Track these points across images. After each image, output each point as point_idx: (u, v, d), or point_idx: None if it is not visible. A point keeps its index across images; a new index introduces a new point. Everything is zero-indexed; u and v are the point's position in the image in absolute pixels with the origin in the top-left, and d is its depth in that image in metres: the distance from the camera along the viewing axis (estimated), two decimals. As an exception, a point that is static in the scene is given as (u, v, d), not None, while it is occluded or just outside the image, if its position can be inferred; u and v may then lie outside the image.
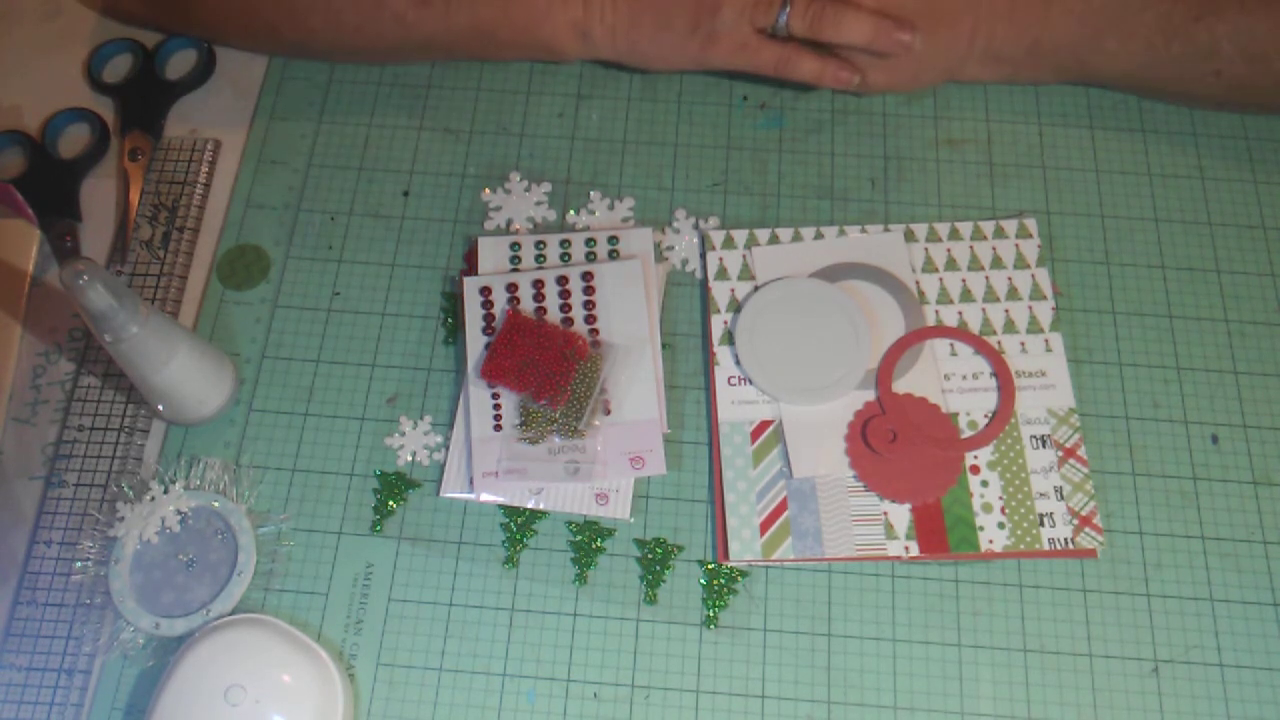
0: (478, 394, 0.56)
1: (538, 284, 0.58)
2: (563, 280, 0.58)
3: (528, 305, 0.58)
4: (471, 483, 0.54)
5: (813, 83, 0.60)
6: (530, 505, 0.54)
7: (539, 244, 0.60)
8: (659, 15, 0.59)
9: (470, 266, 0.60)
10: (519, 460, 0.54)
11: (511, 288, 0.58)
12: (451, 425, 0.56)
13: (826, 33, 0.58)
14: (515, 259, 0.59)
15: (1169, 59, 0.59)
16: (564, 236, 0.60)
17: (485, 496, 0.54)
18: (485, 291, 0.58)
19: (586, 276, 0.58)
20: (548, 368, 0.55)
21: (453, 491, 0.54)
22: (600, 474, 0.54)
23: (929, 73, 0.62)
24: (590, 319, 0.57)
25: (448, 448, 0.55)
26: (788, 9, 0.58)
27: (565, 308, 0.57)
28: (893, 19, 0.58)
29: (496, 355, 0.55)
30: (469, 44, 0.62)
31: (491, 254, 0.60)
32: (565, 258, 0.59)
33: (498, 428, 0.55)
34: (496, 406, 0.55)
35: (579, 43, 0.61)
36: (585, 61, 0.66)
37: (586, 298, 0.58)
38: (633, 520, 0.54)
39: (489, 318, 0.57)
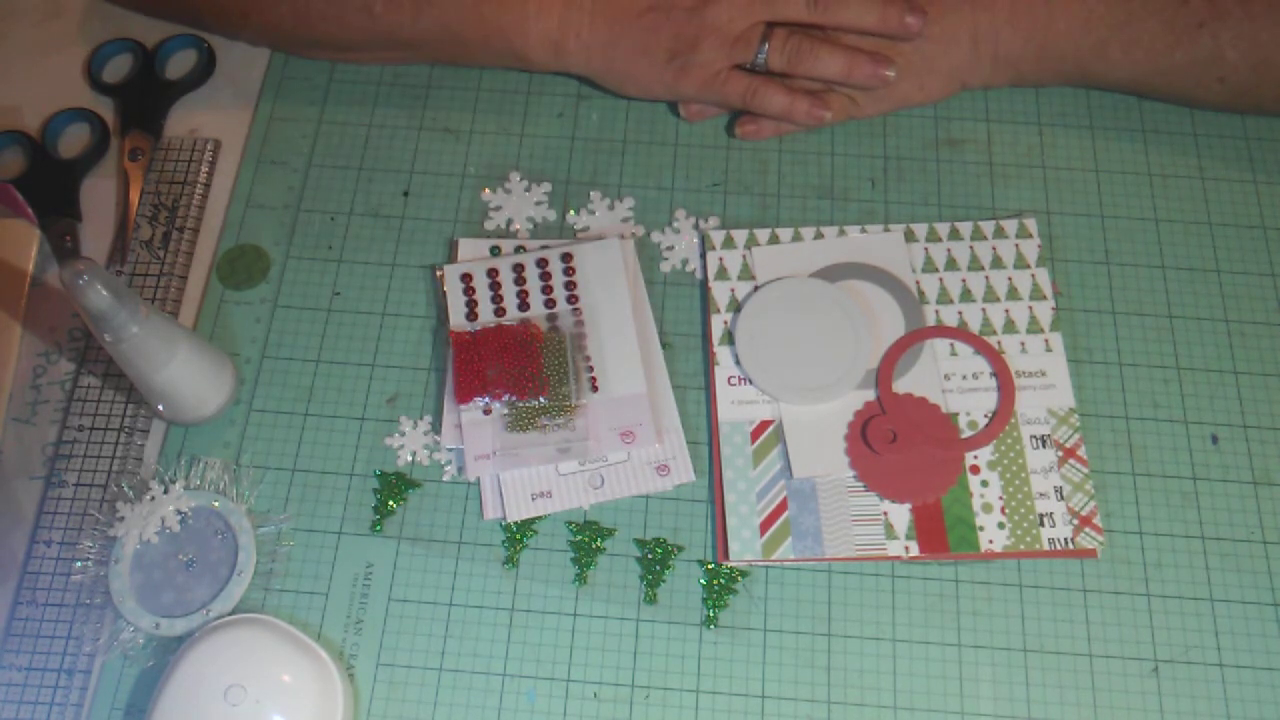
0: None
1: (518, 267, 0.58)
2: (543, 263, 0.58)
3: (509, 289, 0.58)
4: (463, 470, 0.54)
5: (783, 117, 0.60)
6: (592, 503, 0.54)
7: (518, 249, 0.60)
8: (636, 40, 0.59)
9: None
10: (512, 445, 0.54)
11: (492, 273, 0.58)
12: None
13: (804, 68, 0.58)
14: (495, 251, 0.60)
15: (1172, 66, 0.59)
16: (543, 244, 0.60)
17: (533, 511, 0.53)
18: (466, 279, 0.58)
19: (566, 258, 0.58)
20: (515, 366, 0.55)
21: (494, 514, 0.54)
22: (594, 450, 0.54)
23: (935, 80, 0.62)
24: (572, 299, 0.58)
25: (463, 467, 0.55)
26: (766, 45, 0.58)
27: (547, 289, 0.58)
28: (868, 53, 0.58)
29: (461, 378, 0.55)
30: (438, 45, 0.62)
31: (472, 254, 0.60)
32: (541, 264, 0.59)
33: (487, 411, 0.55)
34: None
35: (551, 55, 0.60)
36: (559, 74, 0.65)
37: (567, 278, 0.58)
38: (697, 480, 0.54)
39: (472, 303, 0.58)
